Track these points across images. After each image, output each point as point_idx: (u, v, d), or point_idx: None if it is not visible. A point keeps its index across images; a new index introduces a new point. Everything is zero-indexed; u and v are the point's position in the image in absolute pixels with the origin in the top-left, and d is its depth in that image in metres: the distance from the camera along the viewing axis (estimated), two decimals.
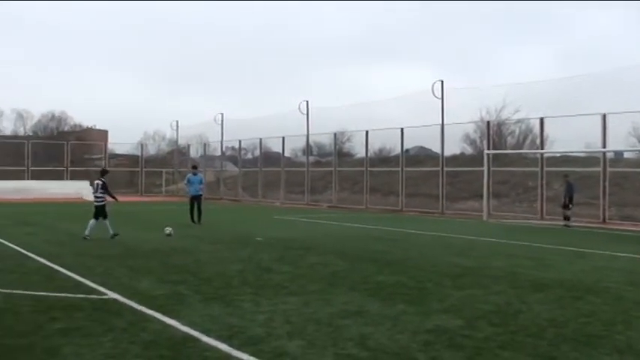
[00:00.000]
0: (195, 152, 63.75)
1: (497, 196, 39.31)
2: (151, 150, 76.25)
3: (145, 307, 9.53)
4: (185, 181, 27.68)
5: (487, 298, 10.59)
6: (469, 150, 48.26)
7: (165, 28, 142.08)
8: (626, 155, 39.17)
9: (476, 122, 37.44)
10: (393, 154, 47.20)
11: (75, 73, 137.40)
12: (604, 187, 30.54)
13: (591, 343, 7.83)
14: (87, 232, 19.41)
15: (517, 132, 46.87)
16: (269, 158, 54.12)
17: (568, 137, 34.06)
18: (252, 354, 7.08)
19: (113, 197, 20.79)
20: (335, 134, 46.31)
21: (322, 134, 48.95)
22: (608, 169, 30.97)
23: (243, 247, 17.93)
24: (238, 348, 7.30)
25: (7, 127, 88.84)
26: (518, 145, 45.67)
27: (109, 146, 79.52)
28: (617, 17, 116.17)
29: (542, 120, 33.94)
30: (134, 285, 11.48)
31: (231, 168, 60.16)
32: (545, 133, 34.57)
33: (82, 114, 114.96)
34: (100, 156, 68.14)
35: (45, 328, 8.24)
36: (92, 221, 19.70)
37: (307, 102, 46.50)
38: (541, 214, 32.68)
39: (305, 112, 46.57)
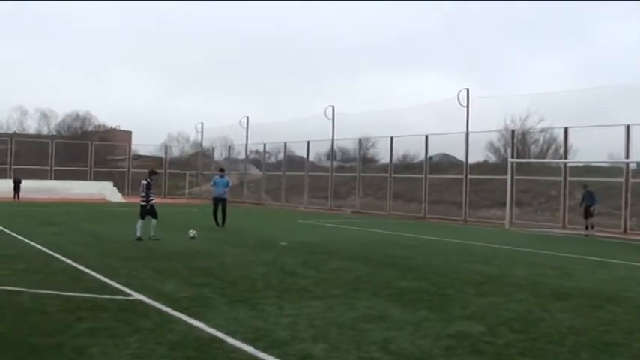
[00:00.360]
0: (219, 155, 64.02)
1: (520, 205, 39.36)
2: (175, 152, 76.84)
3: (170, 308, 9.66)
4: (212, 183, 27.76)
5: (508, 306, 10.67)
6: (492, 158, 48.31)
7: (191, 30, 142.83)
8: None
9: (500, 131, 37.46)
10: (416, 160, 47.29)
11: (100, 74, 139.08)
12: (626, 197, 30.49)
13: (609, 351, 7.93)
14: (138, 234, 19.74)
15: (541, 141, 46.87)
16: (292, 162, 54.28)
17: (591, 147, 34.09)
18: (277, 356, 7.20)
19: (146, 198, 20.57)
20: (360, 140, 46.45)
21: (346, 139, 48.91)
22: (631, 180, 30.88)
23: (267, 250, 18.07)
24: (264, 350, 7.42)
25: (31, 127, 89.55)
26: (542, 154, 45.65)
27: (133, 147, 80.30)
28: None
29: (566, 130, 34.02)
30: (159, 287, 11.62)
31: (254, 172, 60.37)
32: (568, 143, 34.60)
33: (107, 114, 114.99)
34: (123, 157, 68.65)
35: (72, 328, 8.36)
36: (140, 221, 20.01)
37: (333, 107, 46.76)
38: (563, 223, 32.70)
39: (331, 117, 46.74)
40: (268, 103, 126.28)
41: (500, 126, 42.97)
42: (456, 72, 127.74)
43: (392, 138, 43.08)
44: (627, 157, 30.60)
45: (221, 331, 8.31)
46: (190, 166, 67.87)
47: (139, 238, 19.51)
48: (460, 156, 40.08)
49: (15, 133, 77.99)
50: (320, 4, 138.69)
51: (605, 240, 26.45)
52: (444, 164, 48.90)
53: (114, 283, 11.88)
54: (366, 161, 51.86)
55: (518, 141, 47.60)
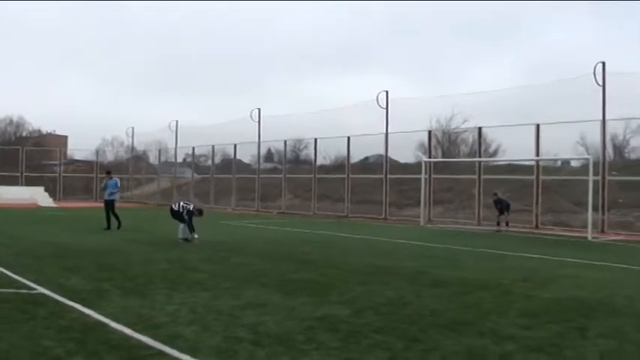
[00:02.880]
0: (154, 159, 64.35)
1: (442, 203, 40.64)
2: (109, 156, 76.83)
3: (67, 299, 10.47)
4: (102, 186, 27.56)
5: (384, 293, 11.63)
6: (423, 158, 49.39)
7: (126, 33, 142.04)
8: (573, 164, 40.48)
9: (416, 132, 38.59)
10: (354, 160, 48.23)
11: (35, 78, 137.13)
12: (537, 194, 31.88)
13: (458, 329, 8.85)
14: (180, 235, 20.91)
15: (470, 140, 48.16)
16: (229, 165, 54.71)
17: (521, 146, 35.12)
18: (150, 336, 8.05)
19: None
20: (285, 141, 47.34)
21: (275, 141, 49.69)
22: (541, 177, 32.25)
23: (176, 249, 18.94)
24: (140, 332, 8.28)
25: None
26: (472, 153, 46.84)
27: (69, 152, 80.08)
28: (570, 31, 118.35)
29: (480, 129, 35.54)
30: (63, 281, 12.40)
31: (188, 174, 60.74)
32: (497, 143, 35.96)
33: (41, 119, 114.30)
34: (57, 162, 68.50)
35: None
36: (181, 225, 21.08)
37: (259, 109, 47.51)
38: (478, 220, 33.94)
39: (257, 119, 47.49)
40: (201, 106, 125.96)
41: (429, 126, 44.10)
42: (393, 73, 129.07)
43: (316, 140, 44.20)
44: (537, 155, 31.95)
45: (108, 317, 9.14)
46: (125, 170, 68.06)
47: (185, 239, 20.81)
48: (396, 156, 41.04)
49: None
50: (251, 5, 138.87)
51: (514, 235, 27.75)
52: (379, 164, 49.76)
53: (22, 279, 12.61)
54: (300, 162, 52.75)
55: (447, 140, 49.12)
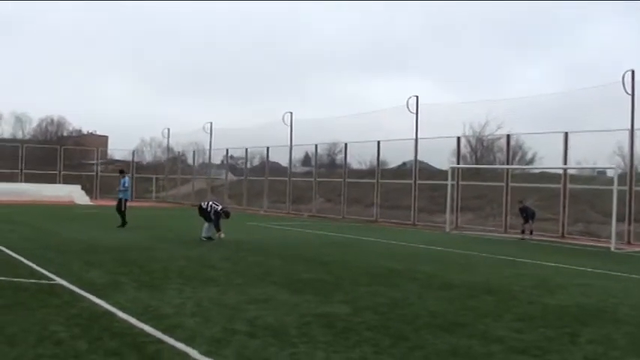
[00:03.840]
0: (191, 160, 65.03)
1: (473, 210, 40.74)
2: (148, 157, 78.05)
3: (83, 290, 11.03)
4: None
5: (388, 294, 12.00)
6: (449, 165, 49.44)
7: (168, 35, 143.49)
8: (609, 173, 40.06)
9: (445, 138, 38.56)
10: (391, 166, 48.46)
11: (75, 79, 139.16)
12: (564, 203, 31.91)
13: (450, 330, 9.16)
14: (203, 234, 21.66)
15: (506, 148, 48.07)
16: (270, 168, 54.89)
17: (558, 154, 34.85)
18: (152, 326, 8.53)
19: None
20: (316, 145, 47.74)
21: (306, 145, 50.01)
22: (568, 186, 32.27)
23: (199, 247, 19.50)
24: (143, 321, 8.76)
25: (6, 131, 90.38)
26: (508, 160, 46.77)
27: (109, 152, 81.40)
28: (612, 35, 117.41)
29: (508, 137, 35.57)
30: (83, 274, 12.98)
31: (228, 176, 61.21)
32: (533, 150, 35.99)
33: (82, 119, 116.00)
34: (94, 161, 69.63)
35: None
36: (205, 224, 21.81)
37: (291, 113, 47.96)
38: (505, 227, 34.03)
39: (289, 123, 47.95)
40: (239, 109, 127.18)
41: (462, 133, 44.17)
42: (436, 77, 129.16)
43: (346, 144, 44.65)
44: (565, 163, 31.98)
45: (116, 307, 9.66)
46: (162, 170, 68.94)
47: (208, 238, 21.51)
48: (433, 162, 40.93)
49: None
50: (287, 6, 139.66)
51: (537, 243, 27.77)
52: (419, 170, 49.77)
53: (43, 271, 13.24)
54: (335, 166, 53.09)
55: (482, 148, 49.21)
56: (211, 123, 56.97)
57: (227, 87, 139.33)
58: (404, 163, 46.86)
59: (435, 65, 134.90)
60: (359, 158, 48.33)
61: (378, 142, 41.72)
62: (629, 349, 8.53)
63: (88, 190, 59.46)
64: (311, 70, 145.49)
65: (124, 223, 26.11)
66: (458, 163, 37.33)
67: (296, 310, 10.04)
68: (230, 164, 61.71)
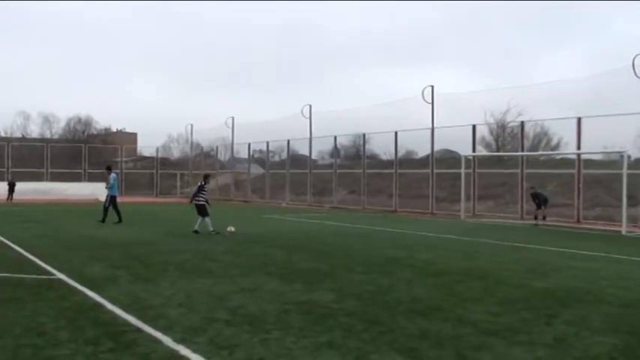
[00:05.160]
0: (221, 155, 65.52)
1: (494, 197, 40.87)
2: (175, 153, 78.82)
3: (80, 284, 11.47)
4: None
5: (378, 281, 12.30)
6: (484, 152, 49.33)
7: (190, 32, 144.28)
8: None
9: (463, 126, 38.55)
10: (419, 156, 48.55)
11: (104, 77, 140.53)
12: (578, 188, 32.00)
13: (427, 314, 9.41)
14: (196, 227, 22.17)
15: (531, 135, 48.12)
16: (295, 161, 55.26)
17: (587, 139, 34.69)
18: (136, 316, 8.92)
19: (191, 199, 23.33)
20: (335, 137, 47.97)
21: (324, 137, 50.15)
22: (582, 171, 32.34)
23: (206, 240, 20.01)
24: (129, 312, 9.15)
25: (35, 131, 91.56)
26: (533, 147, 46.76)
27: (138, 149, 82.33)
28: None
29: (522, 123, 35.75)
30: (84, 269, 13.43)
31: (255, 170, 61.60)
32: (558, 136, 36.13)
33: (112, 117, 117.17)
34: (126, 159, 70.56)
35: None
36: (199, 219, 22.26)
37: (310, 106, 48.30)
38: (521, 214, 34.18)
39: (308, 115, 48.24)
40: (262, 102, 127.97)
41: (483, 120, 44.17)
42: (459, 65, 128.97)
43: (364, 135, 44.99)
44: (579, 149, 32.08)
45: (107, 299, 10.08)
46: (187, 166, 69.39)
47: (216, 232, 21.88)
48: (462, 150, 40.34)
49: (10, 137, 79.95)
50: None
51: (550, 229, 27.95)
52: (446, 159, 49.69)
53: (47, 267, 13.75)
54: (359, 157, 53.21)
55: (502, 134, 49.18)
56: (233, 118, 57.54)
57: (253, 80, 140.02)
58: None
59: (461, 53, 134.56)
60: (385, 149, 48.42)
61: (396, 133, 41.95)
62: (602, 328, 8.74)
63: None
64: (336, 60, 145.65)
65: (104, 219, 26.51)
66: (474, 151, 37.41)
67: (280, 299, 10.37)
68: (258, 158, 62.11)
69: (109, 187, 27.36)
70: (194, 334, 8.02)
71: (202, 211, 22.29)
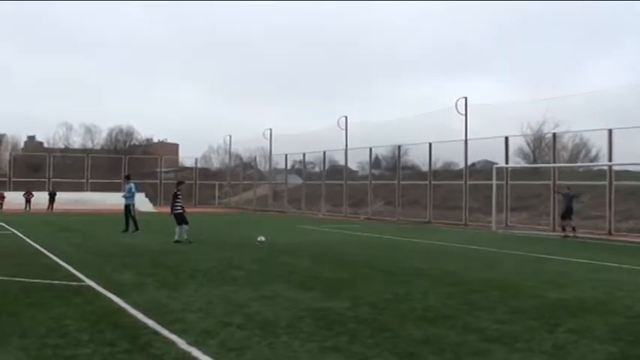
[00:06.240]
0: (260, 165, 66.08)
1: (528, 209, 40.95)
2: (215, 163, 79.70)
3: (107, 291, 11.96)
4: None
5: (395, 290, 12.59)
6: (522, 163, 49.22)
7: (228, 44, 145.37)
8: None
9: (494, 138, 38.75)
10: (458, 167, 48.56)
11: (146, 88, 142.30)
12: (609, 200, 31.97)
13: (435, 322, 9.68)
14: (176, 237, 22.46)
15: (570, 146, 48.05)
16: (334, 171, 55.82)
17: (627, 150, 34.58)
18: (155, 320, 9.34)
19: (171, 207, 23.55)
20: (370, 149, 48.30)
21: (361, 148, 50.47)
22: (614, 183, 32.28)
23: (235, 249, 20.50)
24: (149, 317, 9.57)
25: (77, 142, 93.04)
26: (572, 158, 46.65)
27: (180, 159, 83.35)
28: None
29: (554, 135, 35.83)
30: (114, 276, 13.96)
31: (294, 180, 62.01)
32: (597, 148, 36.34)
33: (154, 128, 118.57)
34: (166, 169, 71.45)
35: (19, 302, 10.79)
36: (177, 228, 22.67)
37: (346, 117, 48.80)
38: (553, 226, 34.20)
39: (344, 127, 48.68)
40: (300, 113, 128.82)
41: (519, 132, 44.23)
42: (501, 77, 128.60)
43: (399, 147, 45.34)
44: (610, 160, 32.09)
45: (131, 304, 10.54)
46: (233, 177, 69.89)
47: (177, 241, 22.23)
48: (502, 162, 40.33)
49: (51, 149, 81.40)
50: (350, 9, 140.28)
51: (579, 241, 27.92)
52: (486, 170, 49.55)
53: (77, 273, 14.31)
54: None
55: (545, 146, 49.12)
56: (271, 129, 58.06)
57: (296, 92, 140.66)
58: (473, 164, 47.00)
59: (504, 64, 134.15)
60: (424, 160, 48.54)
61: (430, 144, 42.23)
62: (603, 337, 8.91)
63: (153, 198, 61.03)
64: (377, 71, 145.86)
65: (136, 228, 26.82)
66: (506, 163, 37.54)
67: (295, 306, 10.74)
68: (298, 169, 62.54)
69: (129, 197, 27.70)
70: (207, 337, 8.42)
71: (180, 219, 22.67)
